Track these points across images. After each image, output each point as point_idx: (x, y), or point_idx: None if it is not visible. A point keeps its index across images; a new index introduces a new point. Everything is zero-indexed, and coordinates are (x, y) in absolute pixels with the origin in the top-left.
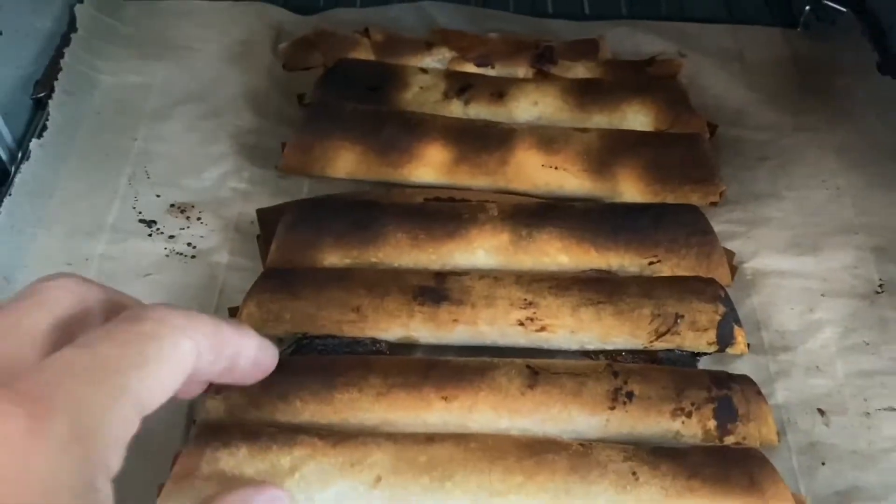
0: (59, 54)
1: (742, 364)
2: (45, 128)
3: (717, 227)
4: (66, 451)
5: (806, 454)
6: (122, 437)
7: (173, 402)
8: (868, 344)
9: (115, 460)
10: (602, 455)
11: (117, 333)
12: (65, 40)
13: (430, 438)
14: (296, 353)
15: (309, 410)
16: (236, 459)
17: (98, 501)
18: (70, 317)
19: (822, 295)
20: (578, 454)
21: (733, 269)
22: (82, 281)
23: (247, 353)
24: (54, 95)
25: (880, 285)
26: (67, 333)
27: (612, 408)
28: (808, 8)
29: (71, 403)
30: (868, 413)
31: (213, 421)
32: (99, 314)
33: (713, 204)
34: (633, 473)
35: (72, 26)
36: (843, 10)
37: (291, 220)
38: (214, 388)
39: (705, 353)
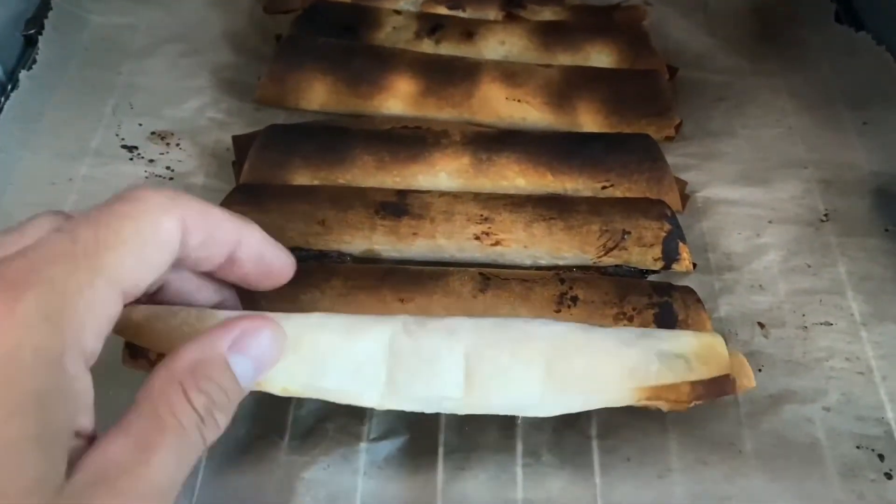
0: None
1: (688, 282)
2: (34, 61)
3: (673, 160)
4: (32, 328)
5: None
6: (99, 318)
7: None
8: (810, 266)
9: (91, 342)
10: None
11: (97, 216)
12: None
13: None
14: None
15: (273, 310)
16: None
17: (63, 380)
18: None
19: (770, 222)
20: None
21: (685, 198)
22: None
23: (248, 244)
24: (44, 32)
25: (825, 214)
26: None
27: (558, 311)
28: None
29: (42, 285)
30: (805, 327)
31: None
32: None
33: (669, 138)
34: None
35: None
36: None
37: (263, 141)
38: None
39: (653, 271)
